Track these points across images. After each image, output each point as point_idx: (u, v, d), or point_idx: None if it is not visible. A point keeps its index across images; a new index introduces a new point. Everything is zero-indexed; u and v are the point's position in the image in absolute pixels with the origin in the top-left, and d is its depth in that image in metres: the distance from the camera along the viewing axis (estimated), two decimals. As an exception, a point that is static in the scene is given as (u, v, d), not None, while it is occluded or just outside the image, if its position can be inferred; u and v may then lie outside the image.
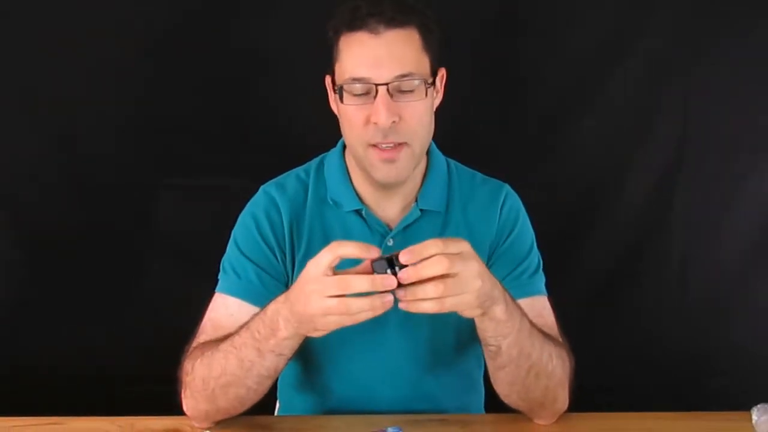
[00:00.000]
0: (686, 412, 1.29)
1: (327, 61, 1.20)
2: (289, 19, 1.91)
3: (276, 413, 1.45)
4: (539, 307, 1.25)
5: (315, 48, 1.53)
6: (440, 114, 1.25)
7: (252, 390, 1.12)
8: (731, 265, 2.08)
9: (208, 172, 1.98)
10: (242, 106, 1.97)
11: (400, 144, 1.15)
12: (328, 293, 0.94)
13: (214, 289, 1.25)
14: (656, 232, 2.07)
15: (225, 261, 1.26)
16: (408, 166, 1.19)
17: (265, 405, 1.22)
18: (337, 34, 1.16)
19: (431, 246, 0.93)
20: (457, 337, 1.29)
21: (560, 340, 1.23)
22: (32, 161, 1.96)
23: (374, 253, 0.94)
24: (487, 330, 1.06)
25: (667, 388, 2.07)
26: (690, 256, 2.08)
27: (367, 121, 1.14)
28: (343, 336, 1.21)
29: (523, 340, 1.09)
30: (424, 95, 1.15)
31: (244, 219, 1.28)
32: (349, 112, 1.16)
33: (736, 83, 1.99)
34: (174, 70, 1.94)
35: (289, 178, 1.31)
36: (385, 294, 0.94)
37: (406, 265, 0.93)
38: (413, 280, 0.93)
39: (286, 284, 1.24)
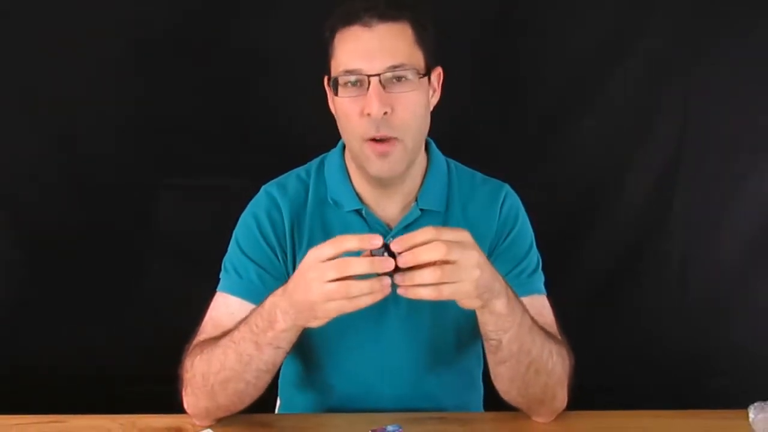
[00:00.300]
0: (684, 411, 1.29)
1: (325, 62, 1.21)
2: (289, 19, 1.91)
3: (277, 411, 1.46)
4: (538, 305, 1.26)
5: (315, 48, 1.53)
6: (440, 114, 1.25)
7: (251, 385, 1.13)
8: (731, 265, 2.09)
9: (208, 172, 1.99)
10: (242, 106, 1.97)
11: (392, 139, 1.16)
12: (327, 278, 0.95)
13: (214, 288, 1.26)
14: (656, 232, 2.08)
15: (226, 260, 1.27)
16: (401, 161, 1.19)
17: (265, 403, 1.23)
18: (333, 32, 1.18)
19: (425, 232, 0.95)
20: (457, 335, 1.29)
21: (560, 338, 1.23)
22: (32, 161, 1.96)
23: (378, 242, 0.95)
24: (488, 324, 1.07)
25: (667, 387, 2.08)
26: (690, 256, 2.09)
27: (361, 114, 1.15)
28: (344, 334, 1.23)
29: (523, 336, 1.10)
30: (416, 87, 1.16)
31: (245, 219, 1.29)
32: (343, 105, 1.17)
33: (735, 83, 2.00)
34: (174, 70, 1.95)
35: (290, 179, 1.32)
36: (384, 277, 0.95)
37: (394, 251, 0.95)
38: (410, 265, 0.94)
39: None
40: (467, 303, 1.01)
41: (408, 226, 1.26)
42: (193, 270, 1.58)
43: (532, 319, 1.13)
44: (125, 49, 1.92)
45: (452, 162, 1.36)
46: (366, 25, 1.14)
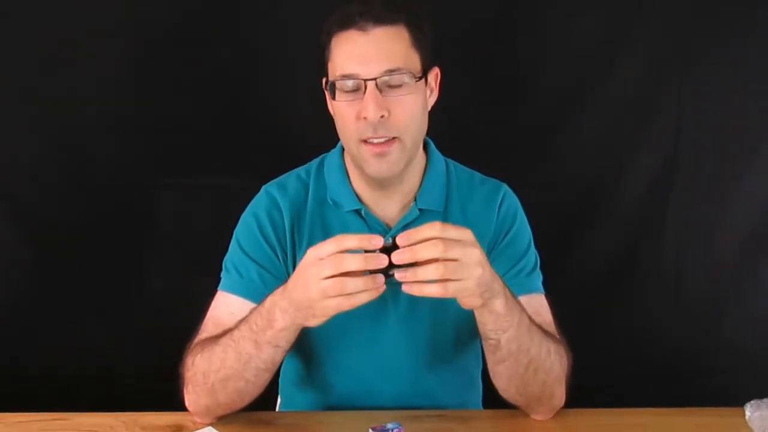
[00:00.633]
0: (681, 408, 1.30)
1: (323, 65, 1.21)
2: (289, 19, 1.92)
3: (277, 409, 1.46)
4: (537, 304, 1.26)
5: (315, 48, 1.54)
6: (440, 114, 1.26)
7: (251, 383, 1.13)
8: (727, 264, 2.10)
9: (208, 171, 2.00)
10: (242, 106, 1.98)
11: (391, 139, 1.17)
12: (324, 274, 0.96)
13: (215, 287, 1.26)
14: (653, 232, 2.09)
15: (227, 260, 1.28)
16: (399, 160, 1.20)
17: (266, 401, 1.24)
18: (330, 35, 1.18)
19: (428, 229, 0.96)
20: (456, 334, 1.30)
21: (558, 337, 1.24)
22: (33, 161, 1.97)
23: (377, 242, 0.96)
24: (487, 323, 1.08)
25: (664, 385, 2.10)
26: (686, 256, 2.10)
27: (358, 117, 1.16)
28: (344, 333, 1.24)
29: (522, 335, 1.10)
30: (413, 90, 1.16)
31: (246, 218, 1.29)
32: (340, 109, 1.18)
33: (732, 84, 2.00)
34: (174, 69, 1.95)
35: (290, 179, 1.33)
36: (378, 274, 0.96)
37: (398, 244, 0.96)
38: (409, 261, 0.95)
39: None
40: (469, 301, 1.02)
41: (407, 226, 1.26)
42: (194, 269, 1.58)
43: (530, 318, 1.14)
44: (126, 49, 1.93)
45: (451, 162, 1.36)
46: (361, 29, 1.14)
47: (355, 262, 0.95)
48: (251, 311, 1.12)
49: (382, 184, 1.25)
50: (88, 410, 1.25)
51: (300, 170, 1.35)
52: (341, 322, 1.15)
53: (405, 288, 0.96)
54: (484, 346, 1.16)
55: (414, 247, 0.95)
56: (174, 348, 1.23)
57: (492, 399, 1.28)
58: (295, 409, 1.39)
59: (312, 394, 1.35)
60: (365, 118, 1.14)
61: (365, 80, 1.14)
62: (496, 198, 1.32)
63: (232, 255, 1.28)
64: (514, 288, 1.18)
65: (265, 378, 1.14)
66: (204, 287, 1.28)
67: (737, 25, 1.98)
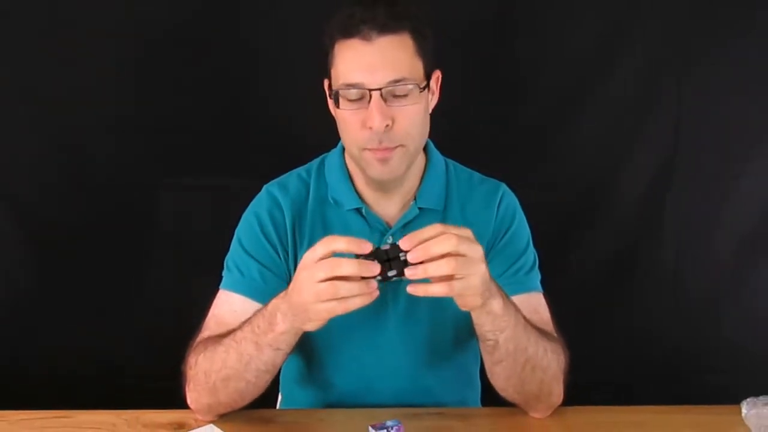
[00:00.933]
0: (678, 406, 1.31)
1: (324, 66, 1.21)
2: (289, 19, 1.92)
3: (278, 407, 1.47)
4: (535, 303, 1.27)
5: (315, 48, 1.54)
6: (440, 114, 1.26)
7: (251, 384, 1.14)
8: (725, 263, 2.10)
9: (208, 172, 2.00)
10: (242, 106, 1.98)
11: (393, 147, 1.17)
12: (318, 278, 0.97)
13: (216, 286, 1.27)
14: (652, 231, 2.09)
15: (229, 259, 1.28)
16: (401, 164, 1.21)
17: (267, 399, 1.24)
18: (332, 40, 1.17)
19: (433, 228, 0.96)
20: (455, 332, 1.31)
21: (555, 335, 1.25)
22: (33, 161, 1.97)
23: (366, 248, 0.97)
24: (484, 324, 1.08)
25: (662, 383, 2.10)
26: (684, 255, 2.10)
27: (363, 126, 1.16)
28: (344, 331, 1.24)
29: (519, 335, 1.11)
30: (417, 99, 1.17)
31: (247, 218, 1.30)
32: (345, 117, 1.18)
33: (731, 84, 2.01)
34: (174, 70, 1.95)
35: (291, 178, 1.33)
36: (371, 280, 0.97)
37: (402, 256, 0.96)
38: (422, 260, 0.95)
39: (287, 281, 1.24)
40: (470, 301, 1.02)
41: (407, 225, 1.28)
42: (195, 268, 1.59)
43: (525, 318, 1.15)
44: (126, 49, 1.93)
45: (450, 162, 1.37)
46: (366, 38, 1.13)
47: (349, 267, 0.96)
48: (255, 313, 1.12)
49: (382, 184, 1.25)
50: (90, 408, 1.26)
51: (301, 170, 1.35)
52: (342, 321, 1.16)
53: (410, 290, 0.97)
54: (481, 348, 1.17)
55: (426, 243, 0.95)
56: (175, 346, 1.24)
57: (491, 396, 1.28)
58: (295, 407, 1.40)
59: (312, 391, 1.36)
60: (370, 127, 1.15)
61: (370, 90, 1.13)
62: (495, 197, 1.33)
63: (234, 254, 1.28)
64: (513, 286, 1.20)
65: (266, 379, 1.15)
66: (205, 286, 1.28)
67: (736, 25, 1.98)
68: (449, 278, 0.96)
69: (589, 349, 1.39)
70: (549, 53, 2.00)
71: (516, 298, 1.18)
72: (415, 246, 0.96)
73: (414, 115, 1.18)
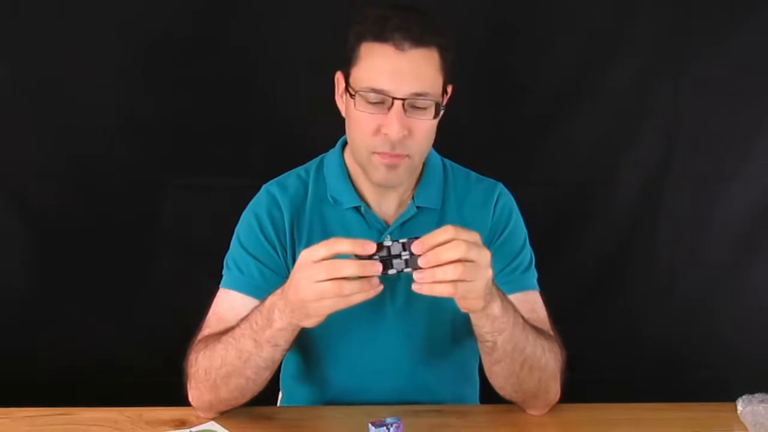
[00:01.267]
0: (674, 403, 1.32)
1: (342, 59, 1.21)
2: (290, 20, 1.92)
3: (278, 404, 1.48)
4: (531, 301, 1.28)
5: (315, 49, 1.55)
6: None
7: (251, 380, 1.15)
8: (718, 263, 2.11)
9: (209, 171, 1.99)
10: (242, 106, 1.97)
11: (404, 155, 1.19)
12: (318, 278, 0.97)
13: (218, 284, 1.28)
14: (646, 230, 2.09)
15: (228, 257, 1.30)
16: (405, 174, 1.23)
17: (268, 396, 1.25)
18: (360, 40, 1.17)
19: (445, 232, 0.97)
20: (453, 329, 1.32)
21: (552, 333, 1.26)
22: (38, 161, 1.96)
23: (370, 249, 0.98)
24: (484, 326, 1.10)
25: (658, 381, 2.11)
26: (679, 254, 2.11)
27: (377, 131, 1.17)
28: (343, 328, 1.25)
29: (517, 335, 1.12)
30: (434, 115, 1.18)
31: (246, 217, 1.31)
32: (360, 119, 1.18)
33: (725, 85, 2.01)
34: (175, 70, 1.95)
35: (290, 178, 1.34)
36: (374, 278, 0.98)
37: (404, 255, 0.98)
38: (432, 265, 0.96)
39: (286, 279, 1.27)
40: (473, 304, 1.03)
41: (405, 223, 1.29)
42: (198, 267, 1.59)
43: (523, 318, 1.15)
44: (127, 50, 1.92)
45: (447, 161, 1.38)
46: (399, 47, 1.13)
47: (350, 269, 0.97)
48: (252, 310, 1.13)
49: (381, 187, 1.27)
50: (93, 405, 1.27)
51: (300, 169, 1.36)
52: (340, 318, 1.17)
53: (415, 288, 0.97)
54: (480, 349, 1.18)
55: (436, 250, 0.96)
56: (177, 344, 1.25)
57: (489, 394, 1.29)
58: (295, 404, 1.40)
59: (311, 389, 1.37)
60: (386, 134, 1.16)
61: (394, 98, 1.14)
62: (492, 197, 1.34)
63: (234, 252, 1.29)
64: (510, 285, 1.21)
65: (266, 376, 1.16)
66: (205, 284, 1.29)
67: (731, 27, 1.98)
68: (451, 283, 0.97)
69: (586, 347, 1.40)
70: (545, 53, 2.00)
71: (513, 297, 1.19)
72: (426, 251, 0.96)
73: (428, 129, 1.19)
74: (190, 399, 1.22)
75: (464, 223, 1.08)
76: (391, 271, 0.99)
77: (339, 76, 1.24)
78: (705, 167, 2.06)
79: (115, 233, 2.01)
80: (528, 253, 1.34)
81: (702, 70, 2.01)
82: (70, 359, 2.01)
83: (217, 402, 1.20)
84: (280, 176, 1.36)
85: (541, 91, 2.03)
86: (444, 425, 1.24)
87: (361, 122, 1.18)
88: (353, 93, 1.18)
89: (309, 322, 1.04)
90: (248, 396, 1.20)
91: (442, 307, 1.27)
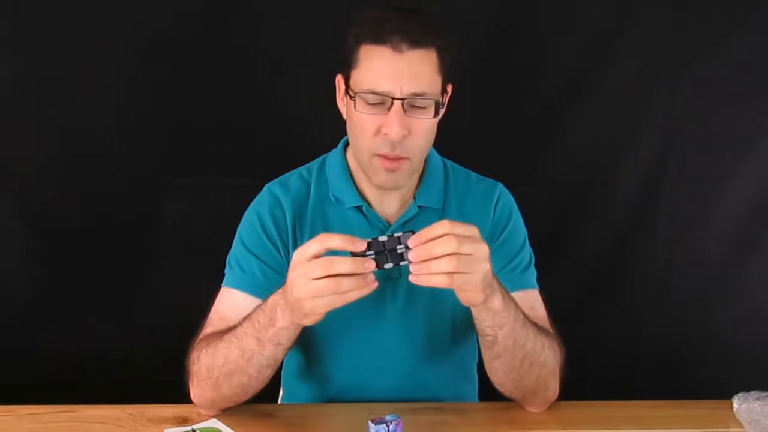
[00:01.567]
0: (671, 401, 1.33)
1: (341, 62, 1.21)
2: (290, 20, 1.93)
3: (279, 401, 1.49)
4: (531, 299, 1.29)
5: (315, 49, 1.55)
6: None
7: (253, 378, 1.16)
8: (715, 261, 2.12)
9: (211, 171, 2.00)
10: (243, 106, 1.98)
11: (403, 158, 1.19)
12: (313, 276, 0.98)
13: (219, 283, 1.29)
14: (643, 230, 2.10)
15: (230, 256, 1.30)
16: (406, 176, 1.24)
17: (269, 394, 1.26)
18: (359, 42, 1.17)
19: (438, 227, 0.98)
20: (452, 328, 1.33)
21: (551, 331, 1.27)
22: (40, 161, 1.97)
23: (360, 246, 0.99)
24: (485, 320, 1.10)
25: (655, 378, 2.11)
26: (676, 253, 2.12)
27: (378, 132, 1.18)
28: (344, 327, 1.26)
29: (517, 331, 1.13)
30: (433, 114, 1.19)
31: (248, 216, 1.32)
32: (361, 120, 1.19)
33: (722, 85, 2.02)
34: (175, 70, 1.96)
35: (292, 177, 1.35)
36: (369, 274, 0.98)
37: (399, 249, 0.99)
38: (424, 259, 0.97)
39: None
40: (472, 297, 1.03)
41: (406, 222, 1.30)
42: (199, 266, 1.59)
43: (524, 314, 1.16)
44: (128, 50, 1.93)
45: (448, 162, 1.39)
46: (397, 49, 1.14)
47: (345, 265, 0.97)
48: (255, 309, 1.14)
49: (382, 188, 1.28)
50: (96, 403, 1.28)
51: (302, 169, 1.37)
52: (341, 316, 1.18)
53: (411, 278, 0.98)
54: (480, 343, 1.18)
55: (428, 244, 0.97)
56: (179, 342, 1.25)
57: (488, 391, 1.30)
58: (296, 401, 1.41)
59: (312, 386, 1.37)
60: (386, 134, 1.16)
61: (393, 99, 1.15)
62: (492, 196, 1.35)
63: (236, 252, 1.30)
64: (510, 284, 1.21)
65: (267, 374, 1.17)
66: (207, 283, 1.30)
67: (728, 28, 1.99)
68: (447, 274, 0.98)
69: (585, 346, 1.41)
70: (545, 54, 2.01)
71: (513, 296, 1.20)
72: (420, 244, 0.97)
73: (427, 130, 1.20)
74: (192, 396, 1.22)
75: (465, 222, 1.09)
76: (387, 265, 0.99)
77: (339, 79, 1.25)
78: (703, 167, 2.07)
79: (116, 233, 2.02)
80: (527, 252, 1.35)
81: (700, 70, 2.02)
82: (72, 358, 2.01)
83: (219, 399, 1.21)
84: (283, 176, 1.36)
85: (541, 92, 2.03)
86: (443, 423, 1.25)
87: (361, 124, 1.19)
88: (353, 95, 1.18)
89: (308, 321, 1.05)
90: (250, 393, 1.20)
91: (442, 305, 1.29)
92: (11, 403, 1.27)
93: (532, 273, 1.34)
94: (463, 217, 1.32)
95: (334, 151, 1.37)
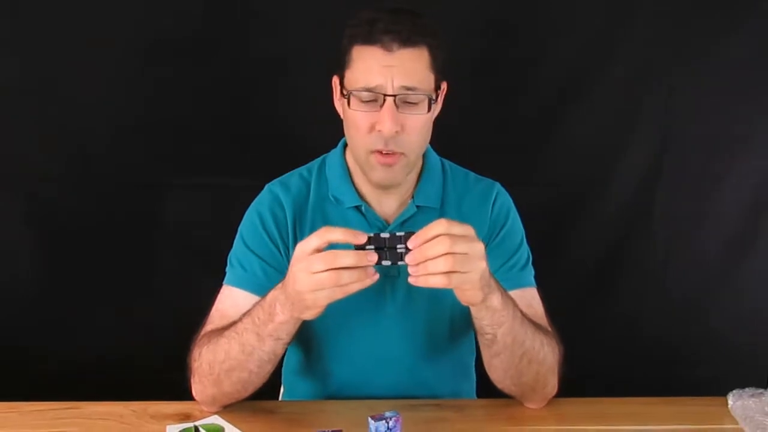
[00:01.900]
0: (667, 398, 1.34)
1: (337, 62, 1.23)
2: (290, 21, 1.93)
3: (280, 398, 1.50)
4: (529, 297, 1.30)
5: (317, 51, 1.56)
6: (437, 117, 1.28)
7: (254, 374, 1.17)
8: (710, 260, 2.13)
9: (209, 171, 2.01)
10: (243, 106, 1.99)
11: (397, 153, 1.21)
12: (314, 269, 1.00)
13: (221, 281, 1.30)
14: (640, 229, 2.12)
15: (232, 255, 1.31)
16: (402, 172, 1.25)
17: (270, 390, 1.28)
18: (352, 43, 1.19)
19: (434, 227, 0.99)
20: (451, 326, 1.34)
21: (549, 329, 1.28)
22: (41, 161, 1.98)
23: (361, 239, 1.00)
24: (484, 319, 1.11)
25: (651, 376, 2.13)
26: (672, 252, 2.13)
27: (372, 128, 1.19)
28: (344, 324, 1.28)
29: (516, 328, 1.14)
30: (426, 110, 1.20)
31: (250, 216, 1.33)
32: (355, 118, 1.20)
33: (718, 86, 2.03)
34: (176, 71, 1.96)
35: (293, 177, 1.36)
36: (369, 267, 1.00)
37: (399, 248, 1.00)
38: (419, 261, 0.99)
39: None
40: (471, 295, 1.05)
41: (404, 222, 1.31)
42: (201, 265, 1.60)
43: (522, 312, 1.18)
44: (130, 51, 1.93)
45: (446, 162, 1.40)
46: (387, 48, 1.16)
47: (347, 259, 0.99)
48: (254, 305, 1.15)
49: (380, 186, 1.29)
50: (99, 399, 1.29)
51: (302, 169, 1.38)
52: (341, 313, 1.20)
53: (411, 280, 0.99)
54: (480, 341, 1.19)
55: (423, 246, 0.98)
56: (181, 340, 1.27)
57: (485, 388, 1.32)
58: (296, 398, 1.42)
59: (312, 383, 1.38)
60: (380, 131, 1.18)
61: (385, 95, 1.17)
62: (490, 196, 1.36)
63: (237, 250, 1.31)
64: (508, 282, 1.23)
65: (268, 369, 1.18)
66: (206, 282, 1.31)
67: (724, 28, 2.00)
68: (444, 274, 0.99)
69: (582, 343, 1.41)
70: (540, 55, 2.02)
71: (511, 294, 1.21)
72: (416, 246, 0.99)
73: (421, 125, 1.21)
74: (193, 393, 1.23)
75: (463, 221, 1.10)
76: (386, 262, 1.01)
77: (335, 80, 1.27)
78: (701, 167, 2.08)
79: (116, 232, 2.02)
80: (525, 250, 1.36)
81: (698, 70, 2.03)
82: (75, 356, 2.02)
83: (221, 396, 1.22)
84: (283, 176, 1.37)
85: (540, 92, 2.04)
86: (442, 419, 1.26)
87: (356, 121, 1.21)
88: (347, 94, 1.20)
89: (308, 314, 1.06)
90: (250, 390, 1.21)
91: (441, 303, 1.30)
92: (15, 399, 1.28)
93: (530, 271, 1.35)
94: (461, 217, 1.33)
95: (333, 151, 1.38)
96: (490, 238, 1.34)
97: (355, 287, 1.00)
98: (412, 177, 1.33)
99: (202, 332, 1.26)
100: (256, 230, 1.31)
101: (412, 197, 1.33)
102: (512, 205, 1.39)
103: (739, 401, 1.26)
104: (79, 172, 2.00)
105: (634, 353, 2.16)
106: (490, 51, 2.00)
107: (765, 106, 2.06)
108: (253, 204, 1.35)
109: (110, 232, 2.02)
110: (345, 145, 1.36)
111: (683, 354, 2.17)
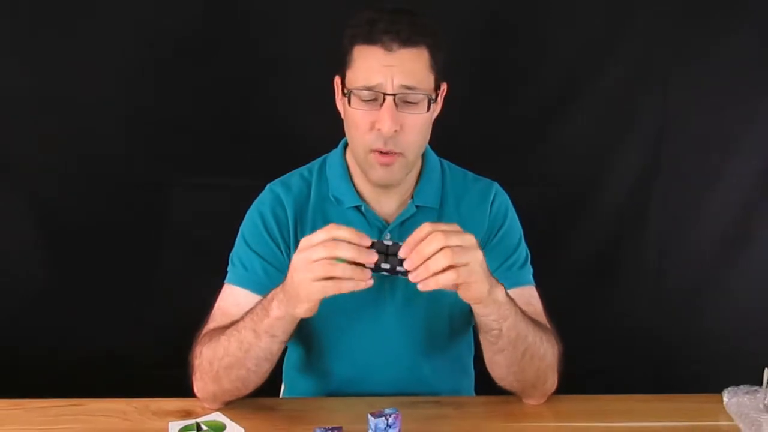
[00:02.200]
0: (663, 395, 1.35)
1: (338, 63, 1.24)
2: (291, 21, 1.94)
3: (281, 395, 1.51)
4: (528, 295, 1.32)
5: (316, 50, 1.56)
6: (437, 117, 1.29)
7: (252, 371, 1.18)
8: (706, 260, 2.14)
9: (210, 171, 2.01)
10: (243, 106, 1.99)
11: (396, 153, 1.22)
12: (315, 257, 1.01)
13: (223, 280, 1.31)
14: (636, 228, 2.12)
15: (233, 254, 1.32)
16: (401, 172, 1.26)
17: (271, 387, 1.29)
18: (352, 43, 1.21)
19: (424, 227, 1.01)
20: (450, 323, 1.35)
21: (548, 326, 1.29)
22: (40, 161, 1.98)
23: (366, 242, 1.01)
24: (490, 314, 1.12)
25: (649, 373, 2.15)
26: (668, 252, 2.14)
27: (372, 127, 1.20)
28: (343, 321, 1.29)
29: (519, 323, 1.16)
30: (426, 110, 1.21)
31: (251, 215, 1.34)
32: (355, 117, 1.22)
33: (713, 86, 2.03)
34: (177, 71, 1.97)
35: (294, 177, 1.37)
36: (366, 269, 1.01)
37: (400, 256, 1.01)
38: (418, 264, 1.00)
39: None
40: (477, 288, 1.05)
41: (404, 222, 1.32)
42: (203, 264, 1.60)
43: (521, 309, 1.18)
44: (133, 52, 1.94)
45: (445, 162, 1.41)
46: (387, 48, 1.17)
47: (346, 250, 1.00)
48: (257, 303, 1.16)
49: (379, 185, 1.30)
50: (102, 396, 1.29)
51: (303, 169, 1.39)
52: (342, 311, 1.21)
53: (420, 287, 1.00)
54: (483, 340, 1.20)
55: (418, 247, 1.00)
56: (183, 338, 1.28)
57: (484, 385, 1.33)
58: (297, 395, 1.43)
59: (313, 380, 1.39)
60: (379, 129, 1.19)
61: (385, 94, 1.18)
62: (489, 195, 1.37)
63: (238, 250, 1.32)
64: (507, 281, 1.23)
65: (266, 367, 1.19)
66: (207, 281, 1.32)
67: (720, 31, 2.01)
68: (451, 269, 1.00)
69: (580, 341, 1.42)
70: (537, 56, 2.02)
71: (510, 292, 1.22)
72: (410, 251, 1.00)
73: (420, 125, 1.22)
74: (195, 390, 1.24)
75: (462, 222, 1.11)
76: (385, 265, 1.02)
77: (337, 80, 1.28)
78: (696, 167, 2.08)
79: (117, 232, 2.03)
80: (524, 250, 1.37)
81: (695, 70, 2.03)
82: (78, 354, 2.02)
83: (221, 393, 1.23)
84: (284, 176, 1.38)
85: (537, 92, 2.05)
86: (441, 416, 1.27)
87: (356, 120, 1.22)
88: (347, 93, 1.21)
89: (302, 309, 1.07)
90: (250, 387, 1.22)
91: (440, 301, 1.31)
92: (19, 397, 1.29)
93: (529, 270, 1.36)
94: (460, 216, 1.34)
95: (334, 151, 1.39)
96: (488, 237, 1.35)
97: (349, 285, 1.01)
98: (412, 177, 1.34)
99: (204, 330, 1.27)
100: (257, 230, 1.32)
101: (412, 197, 1.34)
102: (510, 204, 1.40)
103: (734, 398, 1.27)
104: (79, 172, 2.00)
105: (631, 351, 2.17)
106: (490, 51, 2.01)
107: (763, 106, 2.07)
108: (254, 204, 1.36)
109: (110, 231, 2.02)
110: (345, 146, 1.37)
111: (679, 351, 2.18)
